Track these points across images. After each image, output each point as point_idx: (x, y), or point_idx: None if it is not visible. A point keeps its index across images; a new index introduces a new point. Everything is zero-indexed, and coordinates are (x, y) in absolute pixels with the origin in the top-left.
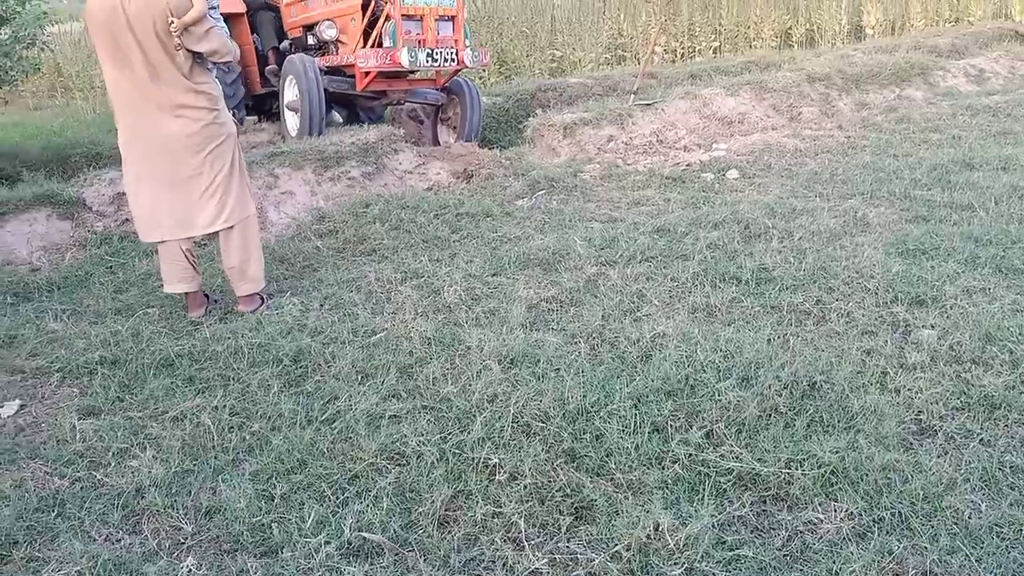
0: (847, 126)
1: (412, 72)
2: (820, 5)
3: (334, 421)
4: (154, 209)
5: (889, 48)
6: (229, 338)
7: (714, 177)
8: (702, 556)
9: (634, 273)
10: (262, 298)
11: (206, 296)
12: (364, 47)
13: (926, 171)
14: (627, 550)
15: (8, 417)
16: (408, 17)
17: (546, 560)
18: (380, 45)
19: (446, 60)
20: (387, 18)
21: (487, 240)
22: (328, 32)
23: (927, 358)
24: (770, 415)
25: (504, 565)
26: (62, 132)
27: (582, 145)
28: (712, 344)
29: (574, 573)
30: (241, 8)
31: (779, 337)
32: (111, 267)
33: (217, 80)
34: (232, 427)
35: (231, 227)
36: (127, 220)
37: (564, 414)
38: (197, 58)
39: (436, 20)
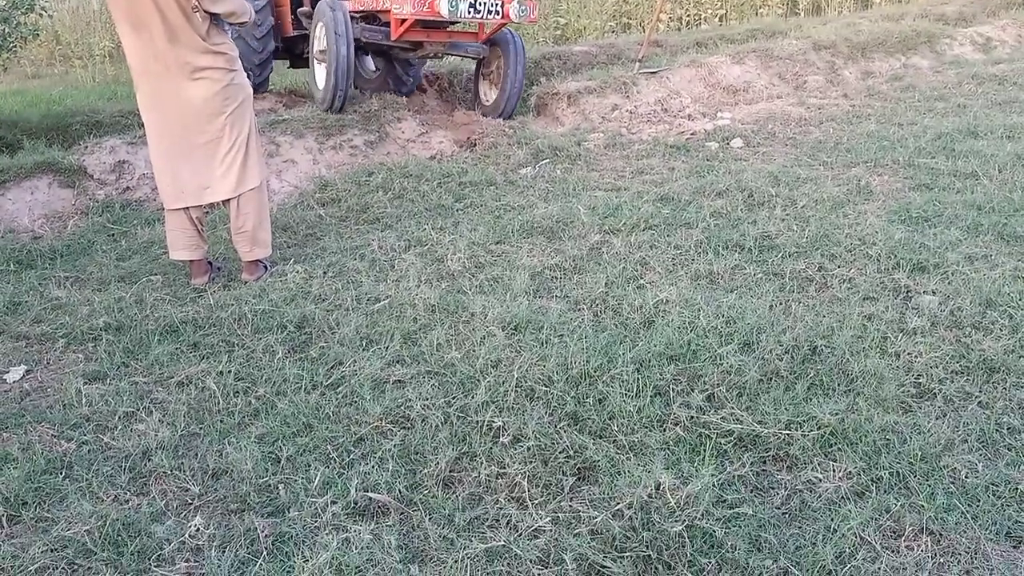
0: (852, 95)
1: (452, 23)
2: None
3: (339, 386)
4: (176, 178)
5: (896, 16)
6: (233, 305)
7: (718, 146)
8: (702, 514)
9: (637, 241)
10: (265, 266)
11: (210, 264)
12: None
13: (930, 139)
14: (629, 508)
15: (14, 382)
16: None
17: (549, 519)
18: None
19: (490, 12)
20: None
21: (491, 209)
22: None
23: (927, 323)
24: (771, 379)
25: (508, 523)
26: (61, 100)
27: (586, 114)
28: (714, 310)
29: (577, 531)
30: None
31: (781, 303)
32: (113, 235)
33: (232, 40)
34: (237, 392)
35: (249, 191)
36: (128, 188)
37: (567, 378)
38: (214, 19)
39: None
